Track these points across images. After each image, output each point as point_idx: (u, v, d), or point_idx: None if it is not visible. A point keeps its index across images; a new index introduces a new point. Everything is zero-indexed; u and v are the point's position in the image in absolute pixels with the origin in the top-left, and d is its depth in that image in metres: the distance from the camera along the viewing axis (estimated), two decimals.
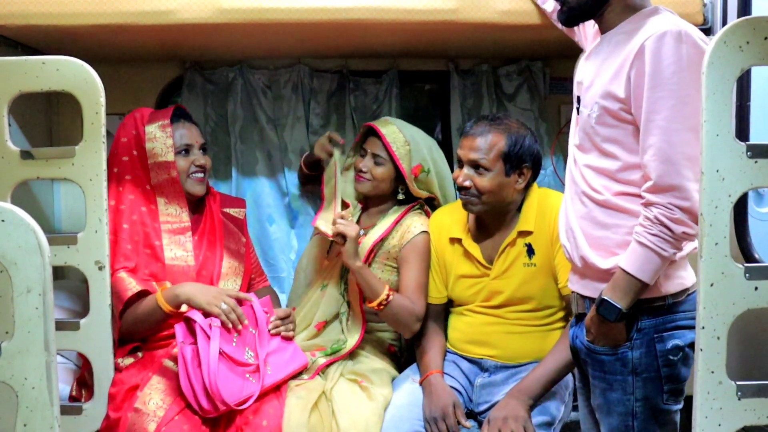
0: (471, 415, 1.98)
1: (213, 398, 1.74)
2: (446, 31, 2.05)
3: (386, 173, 2.16)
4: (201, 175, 2.06)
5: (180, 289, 1.88)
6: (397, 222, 2.15)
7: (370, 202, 2.26)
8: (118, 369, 1.87)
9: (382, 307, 1.97)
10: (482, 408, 1.95)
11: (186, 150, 2.03)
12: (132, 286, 1.85)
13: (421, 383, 1.98)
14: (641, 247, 1.44)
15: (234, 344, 1.85)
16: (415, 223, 2.13)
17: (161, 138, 1.99)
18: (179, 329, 1.84)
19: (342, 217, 1.99)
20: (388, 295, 1.97)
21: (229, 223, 2.16)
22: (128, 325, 1.88)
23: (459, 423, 1.86)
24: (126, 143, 2.00)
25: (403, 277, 2.09)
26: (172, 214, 2.01)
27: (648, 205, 1.44)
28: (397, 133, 2.14)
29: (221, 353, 1.80)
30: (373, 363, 2.08)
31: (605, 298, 1.49)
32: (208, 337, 1.81)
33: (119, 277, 1.86)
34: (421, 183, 2.18)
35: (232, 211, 2.20)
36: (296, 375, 1.95)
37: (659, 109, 1.42)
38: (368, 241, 2.14)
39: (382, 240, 2.13)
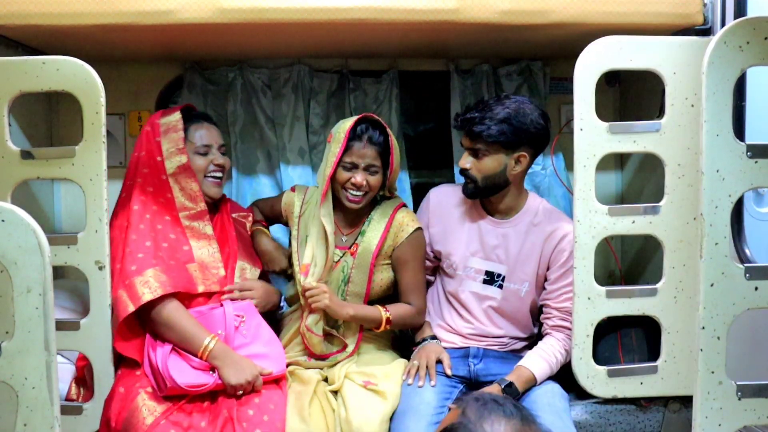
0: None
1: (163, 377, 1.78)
2: (446, 31, 2.05)
3: (380, 180, 2.03)
4: (219, 175, 2.05)
5: (217, 360, 1.82)
6: (390, 224, 2.07)
7: (349, 210, 2.08)
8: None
9: (389, 326, 2.05)
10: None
11: (205, 150, 2.02)
12: (129, 306, 1.79)
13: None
14: None
15: None
16: (406, 220, 2.08)
17: (173, 128, 1.98)
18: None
19: (308, 290, 1.97)
20: (387, 318, 2.03)
21: (240, 228, 2.16)
22: (159, 326, 1.85)
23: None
24: (140, 149, 1.99)
25: (403, 278, 2.09)
26: (189, 201, 1.99)
27: None
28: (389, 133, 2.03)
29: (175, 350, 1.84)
30: (379, 359, 2.07)
31: None
32: None
33: (119, 294, 1.81)
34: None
35: (241, 217, 2.19)
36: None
37: None
38: (367, 251, 2.06)
39: (382, 246, 2.07)
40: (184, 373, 1.79)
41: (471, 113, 1.99)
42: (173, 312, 1.83)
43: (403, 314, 2.08)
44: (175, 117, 2.00)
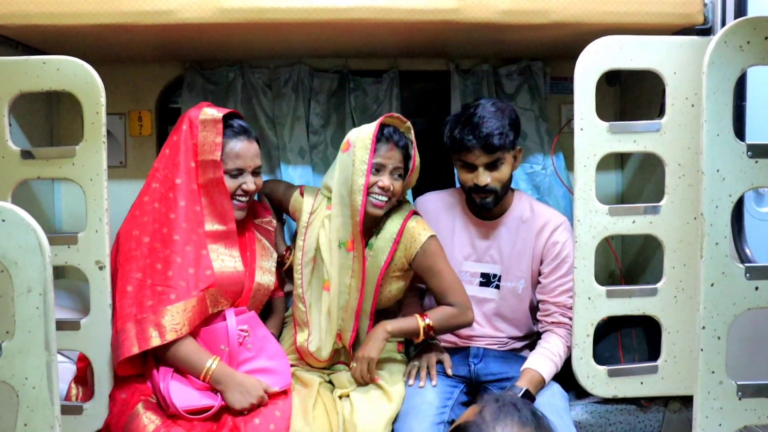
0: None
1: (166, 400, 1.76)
2: (447, 30, 2.05)
3: (401, 186, 1.96)
4: (245, 200, 1.94)
5: (221, 384, 1.79)
6: (401, 234, 1.97)
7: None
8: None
9: (432, 334, 1.95)
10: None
11: (237, 173, 1.91)
12: (134, 347, 1.74)
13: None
14: None
15: None
16: (418, 229, 1.97)
17: (211, 134, 1.87)
18: None
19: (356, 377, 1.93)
20: (428, 326, 1.92)
21: (262, 238, 2.07)
22: (160, 356, 1.82)
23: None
24: (176, 151, 1.89)
25: (433, 285, 1.98)
26: (217, 220, 1.90)
27: None
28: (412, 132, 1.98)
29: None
30: (383, 361, 2.05)
31: None
32: None
33: (128, 327, 1.76)
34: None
35: (263, 224, 2.10)
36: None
37: None
38: (375, 267, 1.96)
39: (391, 260, 1.97)
40: (188, 397, 1.77)
41: (483, 129, 1.92)
42: (173, 346, 1.78)
43: (446, 316, 1.95)
44: (216, 127, 1.87)
